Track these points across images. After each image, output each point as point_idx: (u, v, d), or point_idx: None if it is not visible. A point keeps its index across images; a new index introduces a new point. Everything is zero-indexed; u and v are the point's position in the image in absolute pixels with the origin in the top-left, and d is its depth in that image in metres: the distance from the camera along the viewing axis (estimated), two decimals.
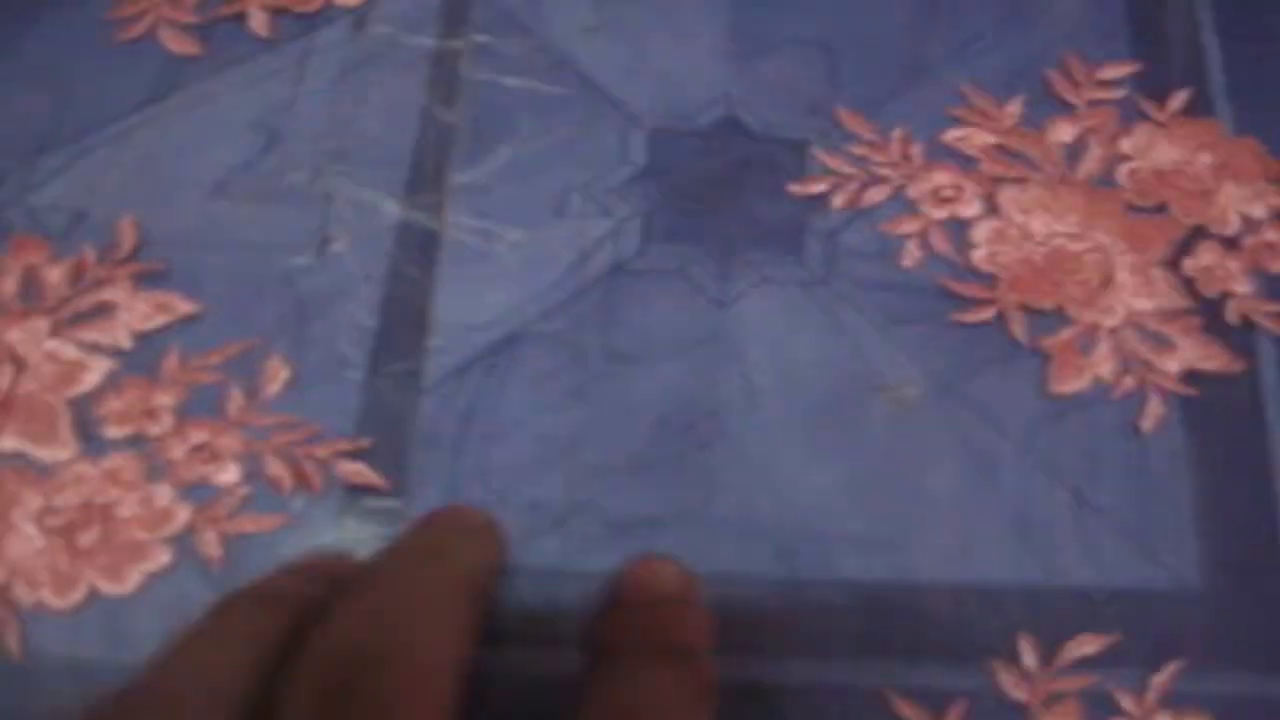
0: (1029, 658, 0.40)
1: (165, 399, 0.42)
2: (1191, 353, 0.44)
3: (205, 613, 0.34)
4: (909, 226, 0.46)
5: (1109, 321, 0.45)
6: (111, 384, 0.42)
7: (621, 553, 0.40)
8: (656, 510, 0.41)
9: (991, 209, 0.46)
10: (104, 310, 0.43)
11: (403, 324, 0.44)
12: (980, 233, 0.46)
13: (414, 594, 0.32)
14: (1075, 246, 0.46)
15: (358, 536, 0.41)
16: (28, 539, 0.41)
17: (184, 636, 0.33)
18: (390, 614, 0.31)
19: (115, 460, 0.41)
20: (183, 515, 0.41)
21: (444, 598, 0.32)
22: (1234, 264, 0.46)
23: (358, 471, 0.41)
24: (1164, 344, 0.44)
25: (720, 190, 0.47)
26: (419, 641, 0.30)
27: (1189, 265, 0.46)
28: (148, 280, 0.44)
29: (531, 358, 0.43)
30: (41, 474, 0.41)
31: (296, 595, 0.33)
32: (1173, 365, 0.44)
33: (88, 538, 0.40)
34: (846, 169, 0.47)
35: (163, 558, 0.40)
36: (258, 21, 0.48)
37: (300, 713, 0.29)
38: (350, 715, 0.28)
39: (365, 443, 0.42)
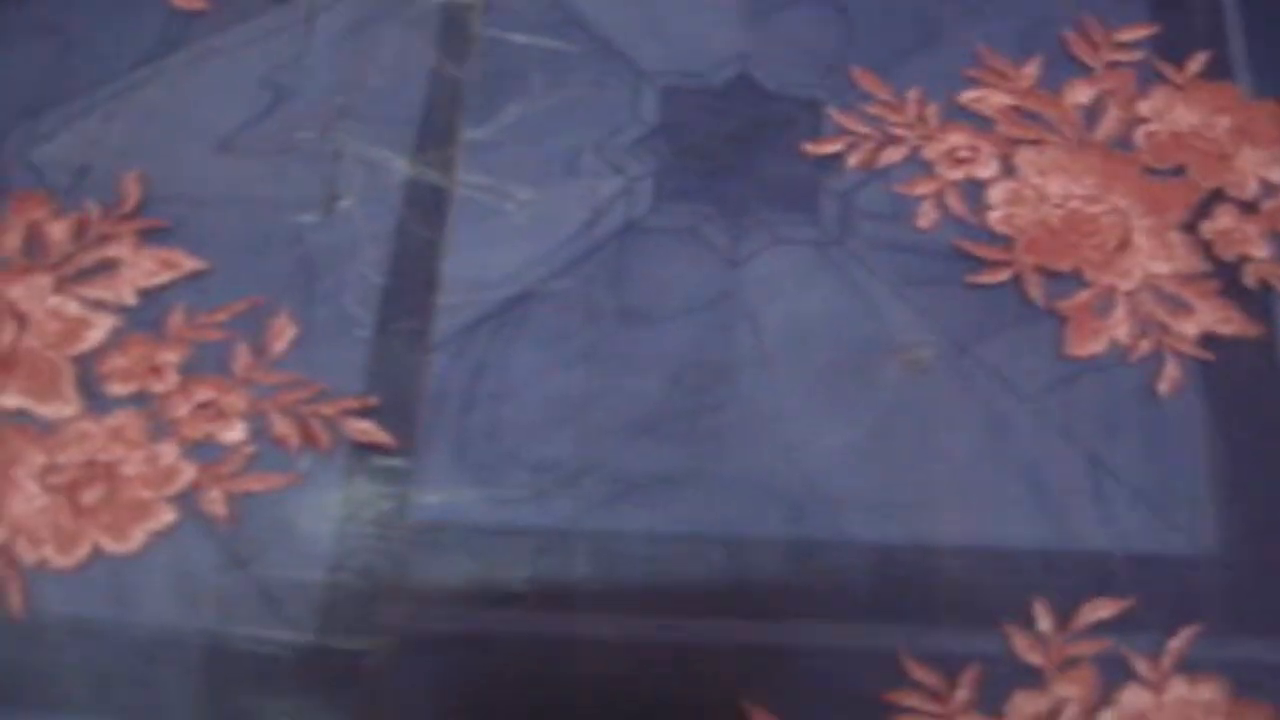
0: (1044, 622, 0.39)
1: (170, 356, 0.42)
2: (1209, 316, 0.44)
3: None
4: (924, 187, 0.46)
5: (1126, 284, 0.44)
6: (115, 341, 0.41)
7: (631, 512, 0.40)
8: (667, 469, 0.41)
9: (1008, 170, 0.46)
10: (108, 266, 0.42)
11: (412, 282, 0.43)
12: (997, 194, 0.45)
13: None
14: (1092, 209, 0.45)
15: (365, 495, 0.41)
16: (30, 497, 0.40)
17: None
18: None
19: (119, 418, 0.41)
20: (188, 473, 0.40)
21: None
22: (1252, 228, 0.46)
23: (365, 430, 0.41)
24: (1181, 307, 0.44)
25: (734, 149, 0.46)
26: None
27: (1207, 229, 0.45)
28: (153, 236, 0.43)
29: (542, 316, 0.43)
30: (44, 431, 0.40)
31: None
32: (1190, 329, 0.44)
33: (91, 496, 0.40)
34: (862, 129, 0.46)
35: (167, 516, 0.40)
36: None
37: None
38: None
39: (373, 401, 0.41)
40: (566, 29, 0.47)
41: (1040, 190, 0.46)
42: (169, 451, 0.41)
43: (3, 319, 0.42)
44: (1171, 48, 0.49)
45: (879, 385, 0.43)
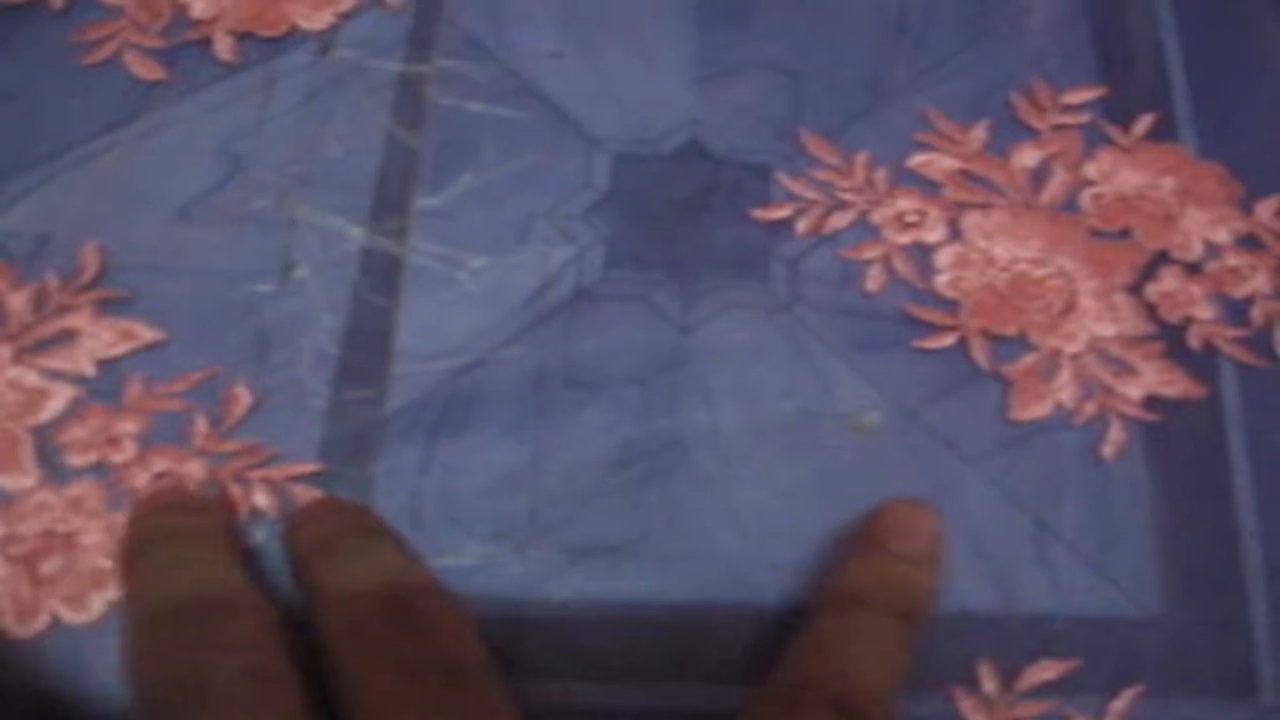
0: (989, 684, 0.40)
1: (128, 426, 0.42)
2: (1153, 378, 0.45)
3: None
4: (872, 252, 0.46)
5: (1071, 347, 0.45)
6: (74, 412, 0.42)
7: (582, 579, 0.41)
8: (618, 537, 0.41)
9: (955, 234, 0.47)
10: (67, 337, 0.43)
11: (366, 351, 0.44)
12: (944, 258, 0.46)
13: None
14: (1038, 272, 0.46)
15: None
16: None
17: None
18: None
19: (78, 488, 0.41)
20: None
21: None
22: (1196, 289, 0.46)
23: (308, 496, 0.41)
24: (1126, 370, 0.44)
25: (684, 215, 0.47)
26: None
27: (1152, 290, 0.46)
28: (111, 307, 0.43)
29: (494, 385, 0.43)
30: (2, 502, 0.41)
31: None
32: (1134, 391, 0.44)
33: (50, 566, 0.40)
34: (810, 194, 0.47)
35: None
36: (223, 46, 0.48)
37: (366, 625, 0.33)
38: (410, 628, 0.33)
39: (323, 466, 0.42)
40: (520, 97, 0.47)
41: (987, 254, 0.46)
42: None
43: None
44: (1118, 109, 0.49)
45: (828, 451, 0.44)
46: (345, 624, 0.34)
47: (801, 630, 0.38)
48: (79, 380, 0.43)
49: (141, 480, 0.42)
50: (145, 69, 0.49)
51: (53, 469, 0.42)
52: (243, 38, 0.50)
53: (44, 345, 0.44)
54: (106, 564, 0.41)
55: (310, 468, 0.42)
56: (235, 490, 0.41)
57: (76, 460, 0.42)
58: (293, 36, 0.50)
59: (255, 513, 0.41)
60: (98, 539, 0.41)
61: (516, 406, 0.44)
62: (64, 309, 0.44)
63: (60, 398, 0.43)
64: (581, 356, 0.45)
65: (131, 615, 0.35)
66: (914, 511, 0.39)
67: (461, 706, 0.33)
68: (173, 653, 0.33)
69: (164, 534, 0.37)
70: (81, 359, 0.44)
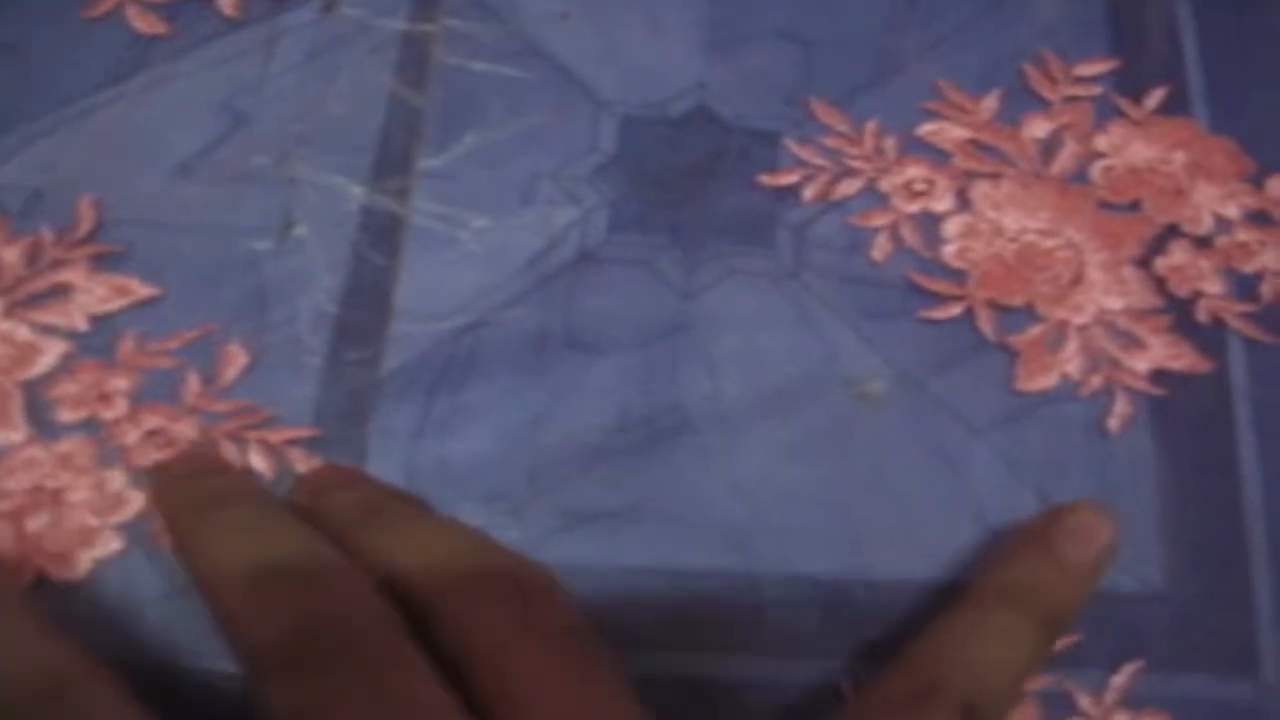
0: None
1: (120, 383, 0.41)
2: (1160, 352, 0.44)
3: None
4: (880, 220, 0.46)
5: (1078, 319, 0.44)
6: (66, 367, 0.41)
7: (580, 544, 0.40)
8: (617, 502, 0.41)
9: (964, 204, 0.46)
10: (60, 292, 0.42)
11: (365, 311, 0.43)
12: (952, 228, 0.46)
13: None
14: (1047, 243, 0.45)
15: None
16: None
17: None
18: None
19: (67, 444, 0.40)
20: (136, 502, 0.40)
21: None
22: (1206, 263, 0.46)
23: (308, 462, 0.41)
24: (1133, 343, 0.44)
25: (690, 180, 0.46)
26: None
27: (1161, 264, 0.45)
28: (106, 262, 0.43)
29: (494, 347, 0.43)
30: None
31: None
32: (1141, 364, 0.44)
33: (37, 522, 0.39)
34: (818, 161, 0.47)
35: (113, 544, 0.39)
36: (226, 2, 0.48)
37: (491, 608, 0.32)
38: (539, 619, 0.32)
39: (317, 430, 0.41)
40: (526, 58, 0.47)
41: (995, 224, 0.46)
42: (117, 479, 0.41)
43: None
44: (1130, 82, 0.49)
45: (831, 418, 0.43)
46: (467, 599, 0.33)
47: (936, 620, 0.37)
48: (71, 335, 0.43)
49: (132, 437, 0.41)
50: (146, 23, 0.48)
51: (42, 425, 0.41)
52: None
53: (37, 299, 0.43)
54: (94, 521, 0.40)
55: (306, 431, 0.41)
56: (230, 451, 0.41)
57: (67, 416, 0.42)
58: None
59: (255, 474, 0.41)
60: (86, 496, 0.41)
61: (517, 368, 0.43)
62: (58, 263, 0.44)
63: (52, 353, 0.43)
64: (584, 319, 0.44)
65: (211, 576, 0.34)
66: (1096, 518, 0.38)
67: (601, 668, 0.32)
68: (293, 606, 0.32)
69: (225, 495, 0.37)
70: (74, 314, 0.43)
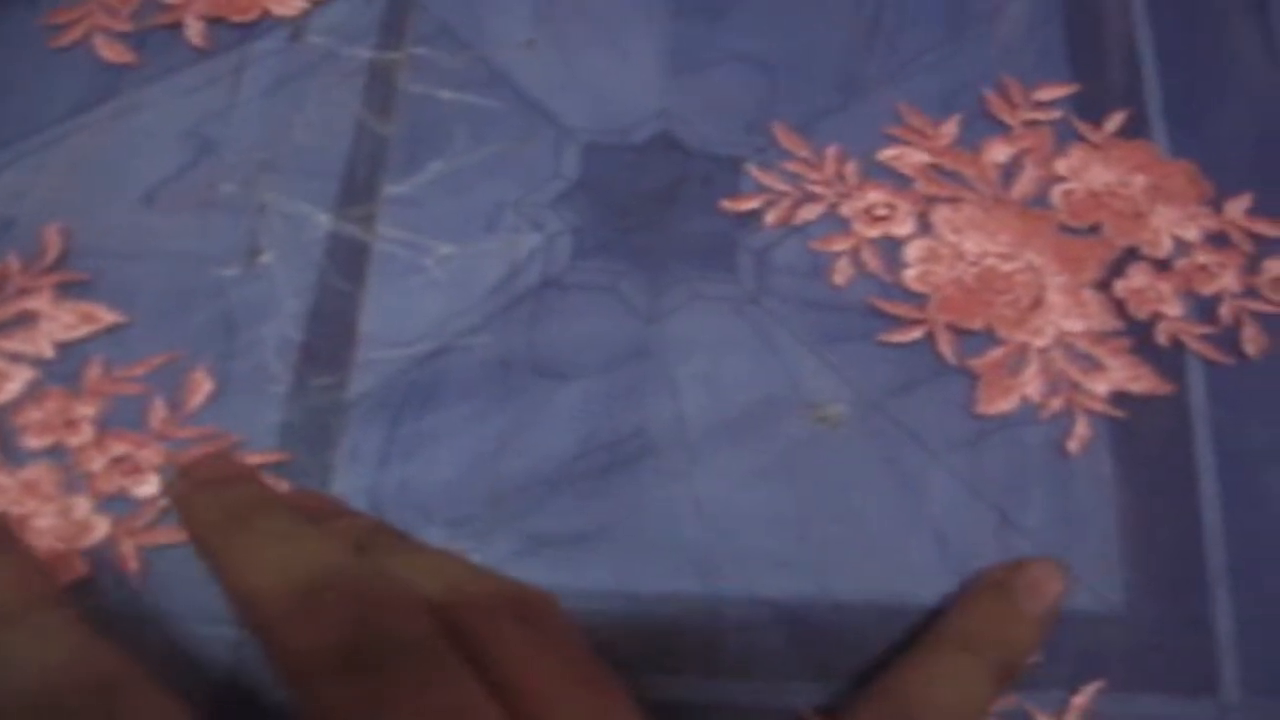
0: None
1: (86, 410, 0.42)
2: (1120, 374, 0.44)
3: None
4: (841, 245, 0.46)
5: (1038, 342, 0.45)
6: (32, 394, 0.42)
7: (543, 569, 0.40)
8: (579, 526, 0.41)
9: (925, 228, 0.46)
10: (26, 319, 0.43)
11: (330, 337, 0.44)
12: (913, 252, 0.46)
13: None
14: (1007, 267, 0.46)
15: None
16: None
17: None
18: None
19: (33, 471, 0.41)
20: (101, 527, 0.41)
21: None
22: (1165, 286, 0.46)
23: (278, 484, 0.41)
24: (1093, 365, 0.44)
25: (653, 206, 0.47)
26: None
27: (1120, 287, 0.46)
28: (73, 290, 0.43)
29: (458, 372, 0.43)
30: None
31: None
32: (1101, 386, 0.44)
33: None
34: (780, 186, 0.47)
35: (80, 570, 0.40)
36: (193, 31, 0.48)
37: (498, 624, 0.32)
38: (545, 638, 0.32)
39: (283, 455, 0.41)
40: (492, 86, 0.47)
41: (956, 248, 0.46)
42: (82, 505, 0.41)
43: None
44: (1090, 106, 0.49)
45: (792, 443, 0.43)
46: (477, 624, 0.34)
47: (903, 659, 0.39)
48: (37, 362, 0.43)
49: (98, 464, 0.42)
50: (114, 53, 0.49)
51: (8, 451, 0.42)
52: (214, 23, 0.49)
53: (3, 327, 0.43)
54: (61, 547, 0.41)
55: (273, 456, 0.42)
56: None
57: (32, 443, 0.42)
58: (264, 22, 0.50)
59: None
60: (51, 523, 0.41)
61: (481, 394, 0.43)
62: (24, 291, 0.44)
63: (18, 380, 0.43)
64: (548, 345, 0.44)
65: (254, 587, 0.34)
66: (1051, 572, 0.40)
67: (614, 686, 0.33)
68: (347, 615, 0.32)
69: (255, 504, 0.37)
70: (41, 341, 0.43)
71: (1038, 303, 0.45)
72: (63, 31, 0.49)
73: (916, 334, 0.45)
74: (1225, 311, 0.46)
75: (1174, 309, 0.46)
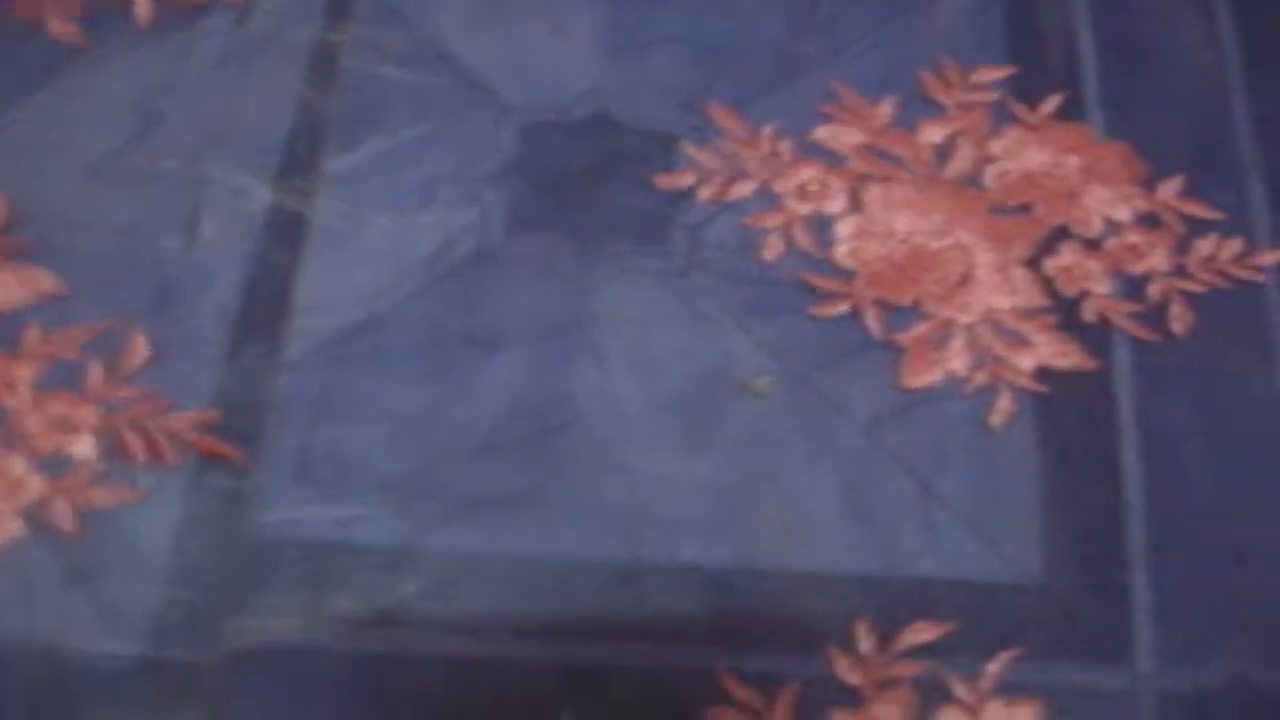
0: (865, 644, 0.40)
1: (24, 372, 0.43)
2: (1046, 350, 0.45)
3: None
4: (772, 221, 0.47)
5: (965, 318, 0.45)
6: None
7: (468, 533, 0.41)
8: (505, 492, 0.42)
9: (856, 206, 0.47)
10: None
11: (266, 306, 0.44)
12: (844, 228, 0.46)
13: None
14: (936, 244, 0.46)
15: (207, 510, 0.42)
16: None
17: None
18: None
19: None
20: (36, 486, 0.41)
21: None
22: (1094, 264, 0.46)
23: (210, 443, 0.42)
24: (1019, 341, 0.45)
25: (588, 181, 0.47)
26: None
27: (1050, 265, 0.46)
28: (15, 257, 0.44)
29: (390, 340, 0.44)
30: None
31: None
32: (1027, 362, 0.44)
33: None
34: (714, 164, 0.48)
35: (13, 528, 0.41)
36: (142, 10, 0.49)
37: None
38: None
39: (217, 416, 0.42)
40: (433, 64, 0.48)
41: (887, 226, 0.47)
42: (18, 464, 0.42)
43: None
44: (1027, 89, 0.50)
45: (719, 413, 0.44)
46: None
47: None
48: None
49: (34, 424, 0.43)
50: (64, 32, 0.50)
51: None
52: (163, 4, 0.51)
53: None
54: (2, 506, 0.42)
55: (205, 415, 0.43)
56: (131, 437, 0.42)
57: None
58: (213, 4, 0.51)
59: (153, 458, 0.42)
60: None
61: (414, 362, 0.44)
62: None
63: None
64: (480, 315, 0.45)
65: None
66: None
67: None
68: None
69: None
70: None
71: (966, 279, 0.46)
72: (13, 9, 0.50)
73: (844, 308, 0.45)
74: (1154, 290, 0.46)
75: (1102, 287, 0.46)
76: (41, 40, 0.49)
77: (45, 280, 0.45)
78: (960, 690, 0.41)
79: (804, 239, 0.46)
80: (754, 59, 0.49)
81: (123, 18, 0.49)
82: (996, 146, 0.48)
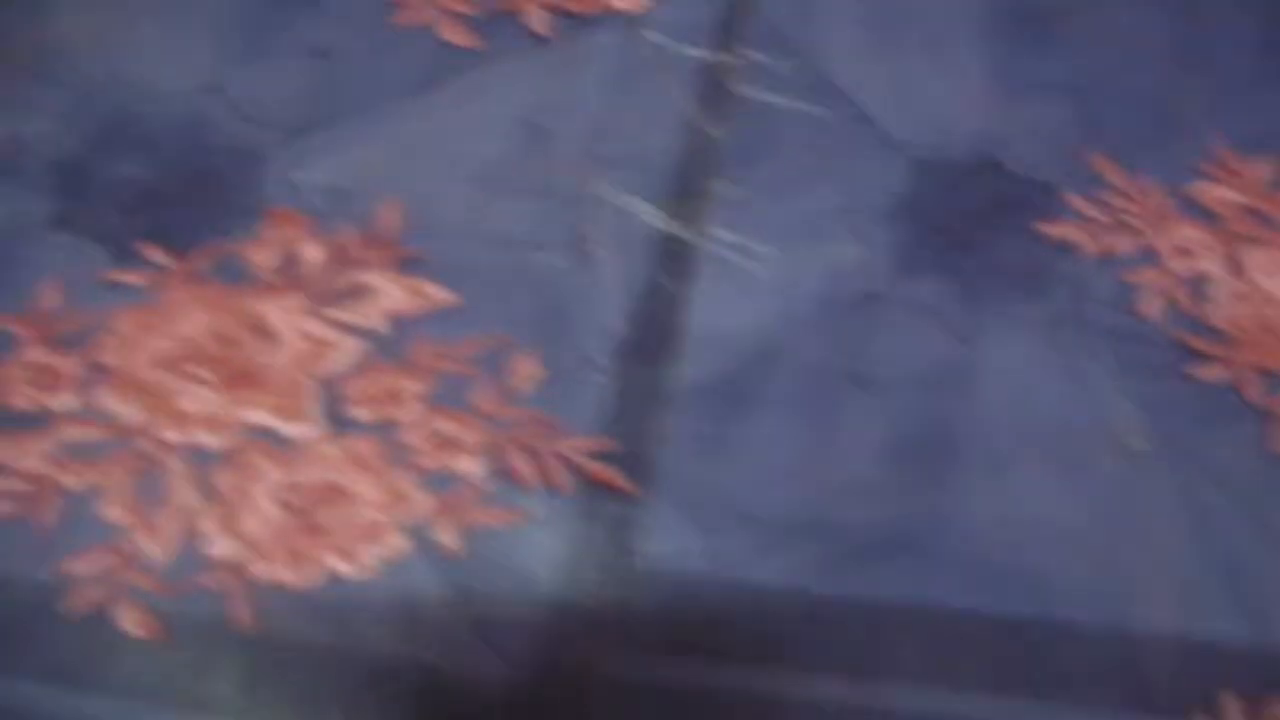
0: (1233, 713, 0.40)
1: (414, 386, 0.42)
2: None
3: None
4: (1151, 278, 0.46)
5: None
6: (362, 366, 0.42)
7: (845, 579, 0.41)
8: (885, 536, 0.42)
9: (1234, 268, 0.47)
10: (361, 292, 0.43)
11: (655, 333, 0.44)
12: (1221, 291, 0.46)
13: None
14: None
15: (594, 539, 0.41)
16: (266, 514, 0.41)
17: None
18: None
19: (359, 442, 0.41)
20: (422, 503, 0.41)
21: None
22: None
23: (604, 473, 0.42)
24: None
25: (973, 226, 0.47)
26: None
27: None
28: (406, 266, 0.44)
29: (776, 378, 0.44)
30: (284, 450, 0.41)
31: None
32: None
33: (326, 517, 0.40)
34: (1096, 215, 0.47)
35: (398, 544, 0.40)
36: (536, 19, 0.49)
37: None
38: None
39: (611, 445, 0.42)
40: (821, 94, 0.48)
41: (1265, 292, 0.46)
42: (405, 479, 0.42)
43: (254, 335, 0.44)
44: None
45: (1091, 469, 0.44)
46: None
47: None
48: (369, 335, 0.44)
49: (422, 439, 0.42)
50: (456, 34, 0.49)
51: (336, 421, 0.43)
52: (556, 12, 0.50)
53: (338, 298, 0.44)
54: (382, 519, 0.41)
55: (596, 444, 0.42)
56: (520, 459, 0.42)
57: (359, 414, 0.43)
58: (604, 16, 0.50)
59: (544, 483, 0.41)
60: (374, 494, 0.42)
61: (797, 401, 0.44)
62: (361, 264, 0.45)
63: (349, 351, 0.44)
64: (864, 358, 0.45)
65: None
66: None
67: None
68: None
69: None
70: (373, 314, 0.44)
71: None
72: (405, 10, 0.49)
73: (1220, 372, 0.45)
74: None
75: None
76: (428, 44, 0.49)
77: (435, 292, 0.45)
78: None
79: (1182, 298, 0.46)
80: (1134, 108, 0.49)
81: (513, 23, 0.49)
82: None
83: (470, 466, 0.43)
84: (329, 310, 0.44)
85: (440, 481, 0.43)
